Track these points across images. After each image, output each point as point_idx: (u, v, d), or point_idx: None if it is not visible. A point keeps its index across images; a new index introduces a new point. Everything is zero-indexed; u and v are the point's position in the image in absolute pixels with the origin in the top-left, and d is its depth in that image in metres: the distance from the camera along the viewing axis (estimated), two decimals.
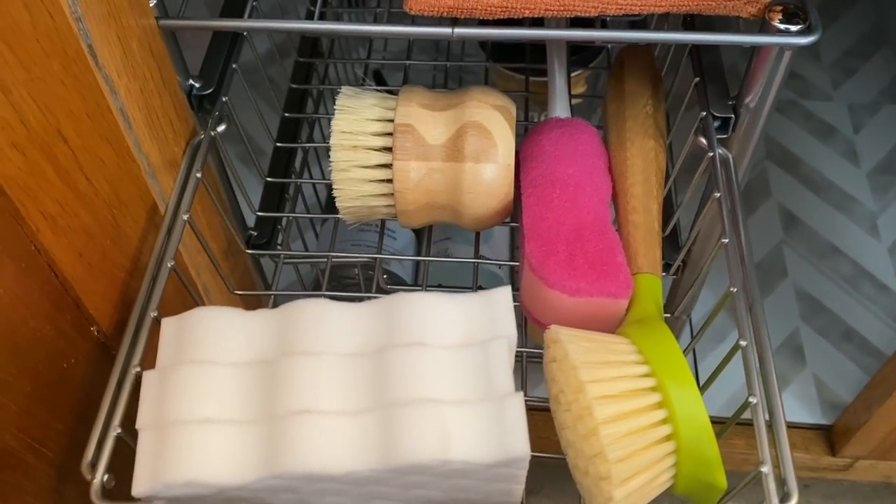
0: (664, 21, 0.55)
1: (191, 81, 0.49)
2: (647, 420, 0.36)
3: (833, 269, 0.84)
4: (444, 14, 0.42)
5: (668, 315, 0.65)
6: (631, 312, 0.43)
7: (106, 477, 0.37)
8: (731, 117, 0.48)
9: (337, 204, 0.45)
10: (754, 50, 0.45)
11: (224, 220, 0.54)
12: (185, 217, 0.45)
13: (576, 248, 0.43)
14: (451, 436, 0.35)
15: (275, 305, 0.45)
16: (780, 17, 0.43)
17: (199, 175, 0.48)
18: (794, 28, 0.42)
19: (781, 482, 0.36)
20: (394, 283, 0.66)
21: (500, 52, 0.71)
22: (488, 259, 0.68)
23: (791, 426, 0.74)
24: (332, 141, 0.43)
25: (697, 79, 0.50)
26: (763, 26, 0.43)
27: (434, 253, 0.71)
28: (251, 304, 0.64)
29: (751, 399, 0.38)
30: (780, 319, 0.81)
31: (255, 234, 0.62)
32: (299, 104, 0.67)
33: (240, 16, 0.45)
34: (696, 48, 0.51)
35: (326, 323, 0.38)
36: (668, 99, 0.56)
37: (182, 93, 0.48)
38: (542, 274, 0.42)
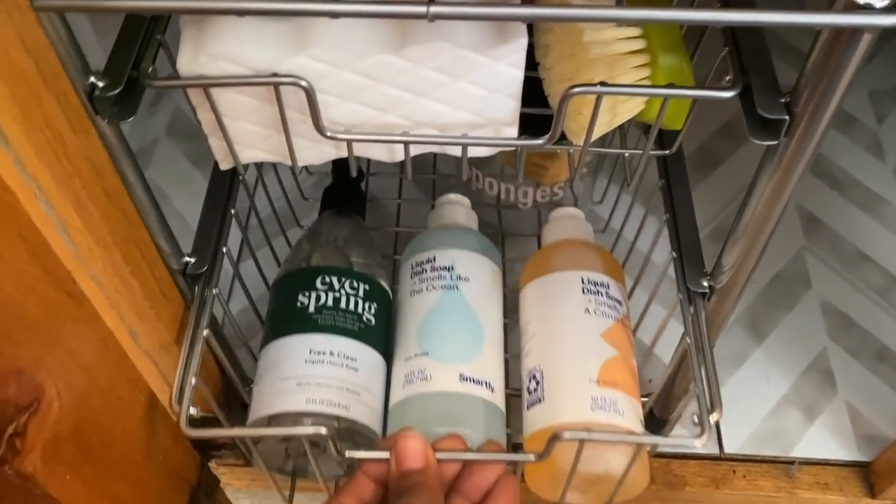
0: None
1: (92, 80, 0.38)
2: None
3: (862, 280, 0.75)
4: None
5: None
6: None
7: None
8: (784, 119, 0.38)
9: None
10: (817, 33, 0.35)
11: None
12: None
13: None
14: None
15: None
16: None
17: None
18: (877, 4, 0.32)
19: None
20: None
21: None
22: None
23: (824, 463, 0.65)
24: None
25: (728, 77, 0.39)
26: (834, 2, 0.33)
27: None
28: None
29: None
30: (804, 338, 0.71)
31: (192, 261, 0.51)
32: None
33: None
34: (732, 33, 0.41)
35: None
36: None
37: (76, 96, 0.37)
38: None
